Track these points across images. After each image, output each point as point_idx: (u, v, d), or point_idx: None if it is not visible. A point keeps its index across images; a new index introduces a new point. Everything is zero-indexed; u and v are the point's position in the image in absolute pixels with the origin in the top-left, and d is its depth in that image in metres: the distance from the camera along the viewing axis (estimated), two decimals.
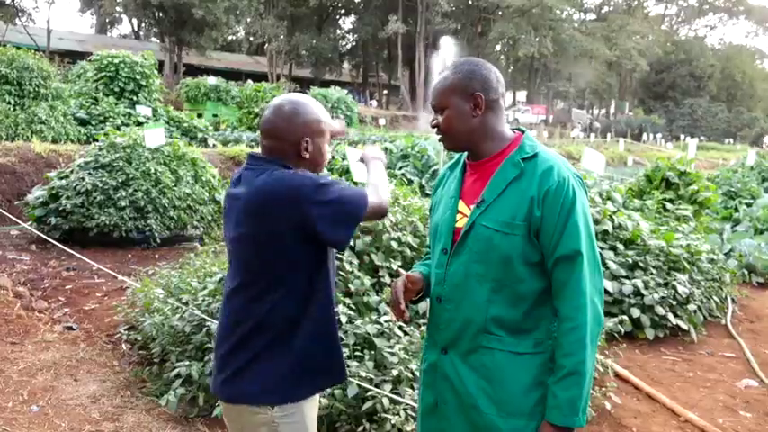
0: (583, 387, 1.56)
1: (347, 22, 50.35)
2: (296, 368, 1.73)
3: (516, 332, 1.62)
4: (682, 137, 42.45)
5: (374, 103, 44.43)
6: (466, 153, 1.78)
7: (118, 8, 39.50)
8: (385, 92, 52.04)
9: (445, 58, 32.82)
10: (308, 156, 1.79)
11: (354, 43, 49.32)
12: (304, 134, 1.78)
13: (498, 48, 47.69)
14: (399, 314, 1.75)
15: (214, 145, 14.95)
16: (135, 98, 15.32)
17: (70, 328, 4.63)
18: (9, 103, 12.21)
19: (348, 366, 3.08)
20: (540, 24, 42.43)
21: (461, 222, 1.68)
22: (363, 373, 3.04)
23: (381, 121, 29.37)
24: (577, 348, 1.56)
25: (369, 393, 2.95)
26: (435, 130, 1.74)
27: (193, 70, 36.68)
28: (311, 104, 1.82)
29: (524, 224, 1.58)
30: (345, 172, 8.17)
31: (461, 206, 1.71)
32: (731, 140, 48.43)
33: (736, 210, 9.51)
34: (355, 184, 5.71)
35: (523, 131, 1.74)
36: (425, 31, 42.36)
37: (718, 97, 56.46)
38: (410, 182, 9.19)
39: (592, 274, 1.60)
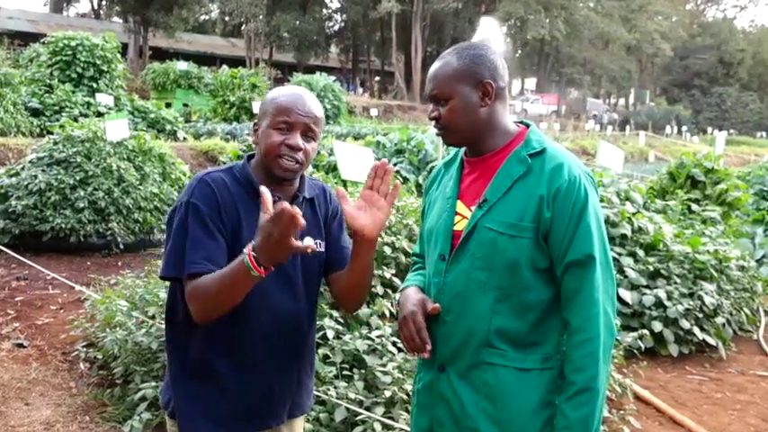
0: (596, 405, 1.58)
1: (335, 1, 50.42)
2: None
3: (522, 346, 1.64)
4: (709, 130, 42.77)
5: (361, 90, 44.31)
6: (464, 148, 1.78)
7: None
8: (377, 78, 52.10)
9: (486, 41, 32.30)
10: (256, 140, 1.82)
11: (343, 24, 49.35)
12: (257, 119, 1.84)
13: (505, 30, 47.79)
14: (419, 349, 1.69)
15: (185, 138, 14.94)
16: (95, 85, 15.28)
17: (21, 346, 4.60)
18: None
19: (336, 387, 3.09)
20: (552, 3, 42.60)
21: (461, 225, 1.69)
22: (353, 395, 3.04)
23: (373, 112, 29.38)
24: (589, 363, 1.57)
25: (359, 417, 2.96)
26: (434, 122, 1.72)
27: (161, 54, 36.58)
28: (281, 90, 1.84)
29: (533, 226, 1.59)
30: (333, 169, 8.19)
31: (460, 207, 1.71)
32: (764, 134, 48.78)
33: None
34: (344, 183, 5.73)
35: (528, 125, 1.75)
36: (423, 10, 42.44)
37: (749, 86, 56.86)
38: (405, 180, 9.21)
39: (604, 281, 1.61)
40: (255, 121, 1.83)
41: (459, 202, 1.72)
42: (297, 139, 1.73)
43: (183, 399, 1.78)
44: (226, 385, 1.76)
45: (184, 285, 1.66)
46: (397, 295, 1.83)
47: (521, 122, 1.77)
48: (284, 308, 1.77)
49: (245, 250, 1.50)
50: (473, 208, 1.67)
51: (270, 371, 1.78)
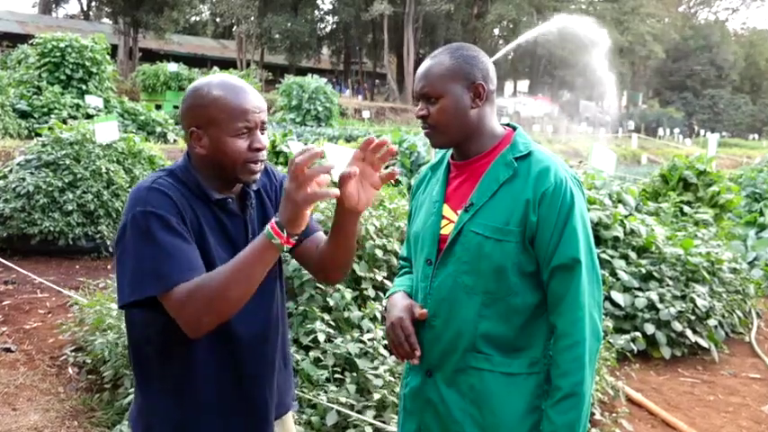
0: (581, 410, 1.58)
1: (327, 2, 50.45)
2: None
3: (508, 351, 1.64)
4: (701, 132, 43.00)
5: (348, 92, 44.10)
6: (450, 151, 1.78)
7: None
8: (369, 83, 52.10)
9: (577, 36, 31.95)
10: (203, 151, 1.58)
11: (335, 26, 49.35)
12: (191, 123, 1.59)
13: (497, 32, 47.97)
14: (408, 356, 1.69)
15: (175, 140, 14.90)
16: (84, 87, 15.23)
17: (8, 350, 4.58)
18: None
19: (327, 391, 3.09)
20: (544, 5, 42.82)
21: (447, 229, 1.68)
22: (344, 399, 3.04)
23: (365, 114, 29.41)
24: (575, 367, 1.57)
25: (350, 420, 2.96)
26: (422, 121, 1.70)
27: (151, 55, 36.52)
28: (216, 85, 1.58)
29: (519, 230, 1.59)
30: None
31: (446, 211, 1.71)
32: (756, 136, 49.16)
33: (762, 213, 9.62)
34: (335, 184, 5.73)
35: (515, 128, 1.74)
36: (415, 12, 42.51)
37: (741, 88, 57.26)
38: (397, 182, 9.20)
39: (590, 286, 1.61)
40: (192, 128, 1.59)
41: (445, 206, 1.72)
42: (260, 139, 1.59)
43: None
44: (218, 405, 1.63)
45: (165, 300, 1.46)
46: (385, 300, 1.83)
47: (507, 125, 1.77)
48: (257, 309, 1.63)
49: (267, 226, 1.41)
50: (459, 212, 1.67)
51: (256, 378, 1.67)
